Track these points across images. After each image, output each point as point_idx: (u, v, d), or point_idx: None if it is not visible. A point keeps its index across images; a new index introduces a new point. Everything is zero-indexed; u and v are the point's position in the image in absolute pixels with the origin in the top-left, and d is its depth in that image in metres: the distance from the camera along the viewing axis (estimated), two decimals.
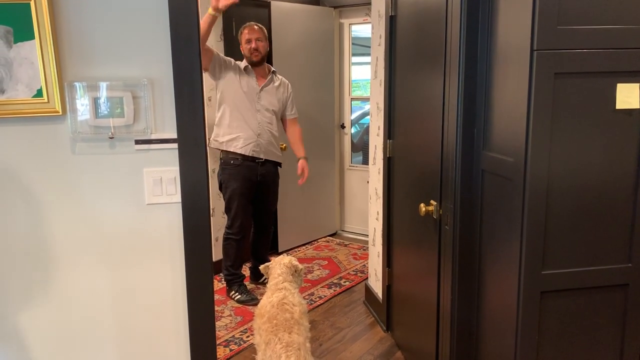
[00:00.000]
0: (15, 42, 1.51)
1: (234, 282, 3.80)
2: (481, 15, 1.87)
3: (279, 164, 3.87)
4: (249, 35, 3.63)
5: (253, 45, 3.61)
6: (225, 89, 3.60)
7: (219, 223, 4.23)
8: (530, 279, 1.65)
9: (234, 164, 3.63)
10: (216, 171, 3.91)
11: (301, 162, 3.86)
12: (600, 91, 1.59)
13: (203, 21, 3.17)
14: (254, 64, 3.65)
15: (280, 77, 3.83)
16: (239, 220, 3.68)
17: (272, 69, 3.81)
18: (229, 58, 3.63)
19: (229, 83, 3.58)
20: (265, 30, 3.73)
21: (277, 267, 2.64)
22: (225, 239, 3.76)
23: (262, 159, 3.69)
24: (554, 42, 1.53)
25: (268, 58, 4.35)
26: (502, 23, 1.74)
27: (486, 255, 1.93)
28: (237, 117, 3.60)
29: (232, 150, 3.61)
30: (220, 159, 3.71)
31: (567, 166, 1.61)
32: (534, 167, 1.59)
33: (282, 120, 3.89)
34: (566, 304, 1.70)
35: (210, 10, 3.17)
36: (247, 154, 3.62)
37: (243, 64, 3.65)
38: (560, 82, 1.56)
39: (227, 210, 3.72)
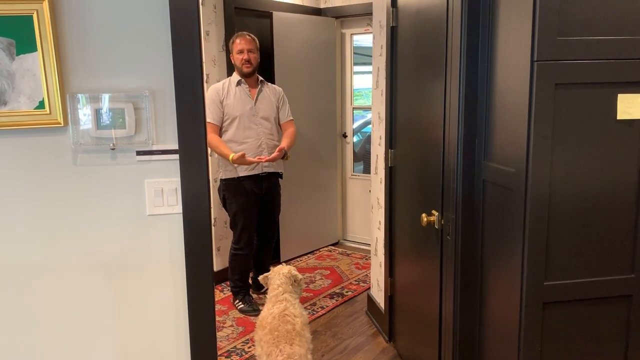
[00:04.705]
0: (18, 54, 1.52)
1: (240, 292, 3.82)
2: (482, 26, 1.87)
3: (281, 175, 3.85)
4: (241, 46, 3.57)
5: (245, 56, 3.55)
6: (225, 119, 3.58)
7: (220, 233, 4.23)
8: (533, 290, 1.64)
9: (238, 178, 3.61)
10: (217, 181, 3.90)
11: (279, 148, 3.60)
12: (601, 102, 1.58)
13: (222, 148, 3.49)
14: (245, 75, 3.61)
15: (269, 84, 3.78)
16: (247, 235, 3.67)
17: (261, 78, 3.74)
18: (216, 92, 3.54)
19: (229, 114, 3.56)
20: (257, 41, 3.67)
21: (277, 277, 2.62)
22: (233, 255, 3.73)
23: (266, 172, 3.68)
24: (554, 52, 1.54)
25: (270, 68, 4.36)
26: (503, 34, 1.75)
27: (488, 265, 1.93)
28: (238, 140, 3.57)
29: (245, 175, 3.59)
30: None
31: (569, 177, 1.61)
32: (535, 177, 1.59)
33: (280, 125, 3.83)
34: (569, 315, 1.69)
35: (232, 157, 3.41)
36: (259, 172, 3.63)
37: (235, 78, 3.61)
38: (561, 92, 1.56)
39: (234, 225, 3.68)
